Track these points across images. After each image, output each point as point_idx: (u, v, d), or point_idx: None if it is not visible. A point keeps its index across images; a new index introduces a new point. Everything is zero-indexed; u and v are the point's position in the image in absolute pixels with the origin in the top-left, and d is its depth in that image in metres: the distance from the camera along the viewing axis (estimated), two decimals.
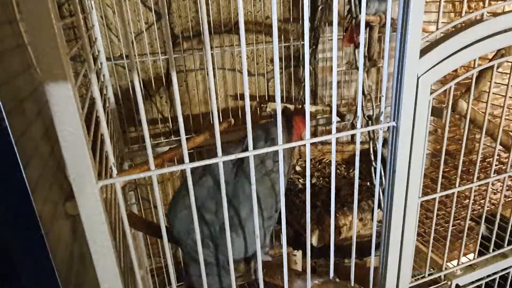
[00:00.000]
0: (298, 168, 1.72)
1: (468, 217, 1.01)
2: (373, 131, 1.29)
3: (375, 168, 1.26)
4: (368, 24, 1.78)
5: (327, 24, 2.07)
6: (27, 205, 0.65)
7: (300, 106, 1.76)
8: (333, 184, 0.76)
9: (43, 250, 0.66)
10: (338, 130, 1.72)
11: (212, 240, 0.81)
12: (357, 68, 1.31)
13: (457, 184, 0.94)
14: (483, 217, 1.06)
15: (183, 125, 0.58)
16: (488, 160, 2.41)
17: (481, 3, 2.20)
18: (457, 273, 1.08)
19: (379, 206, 1.13)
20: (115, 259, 0.59)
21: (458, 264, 1.08)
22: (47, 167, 1.03)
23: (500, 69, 1.79)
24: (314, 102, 2.30)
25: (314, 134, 2.36)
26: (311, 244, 1.19)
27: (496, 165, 1.16)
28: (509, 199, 2.32)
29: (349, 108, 2.30)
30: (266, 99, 2.21)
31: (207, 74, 1.96)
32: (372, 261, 0.89)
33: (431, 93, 0.73)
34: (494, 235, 1.08)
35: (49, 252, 0.67)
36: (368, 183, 1.52)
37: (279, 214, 0.88)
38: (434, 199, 0.92)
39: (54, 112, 0.48)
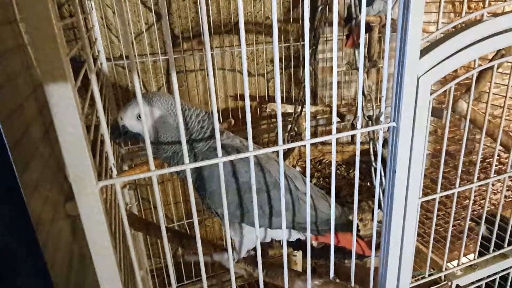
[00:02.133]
0: (298, 169, 1.72)
1: (468, 218, 1.01)
2: (373, 131, 1.29)
3: (375, 169, 1.26)
4: (368, 25, 1.78)
5: (327, 24, 2.07)
6: (21, 208, 0.65)
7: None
8: (333, 185, 0.76)
9: (38, 252, 0.66)
10: (338, 130, 1.72)
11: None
12: (357, 68, 1.32)
13: (457, 185, 0.94)
14: (483, 217, 1.06)
15: None
16: (488, 160, 2.41)
17: (481, 4, 2.20)
18: (457, 274, 1.08)
19: (379, 207, 1.13)
20: (115, 259, 0.59)
21: (458, 265, 1.08)
22: (47, 168, 1.03)
23: (500, 70, 1.79)
24: (314, 102, 2.30)
25: (314, 134, 2.36)
26: (311, 245, 1.19)
27: (496, 166, 1.16)
28: (509, 199, 2.32)
29: (349, 109, 2.30)
30: (266, 99, 2.21)
31: (207, 75, 1.96)
32: (372, 261, 0.89)
33: (431, 94, 0.73)
34: (494, 236, 1.08)
35: (43, 254, 0.67)
36: (368, 184, 1.52)
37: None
38: (434, 199, 0.92)
39: (54, 112, 0.48)
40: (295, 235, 1.08)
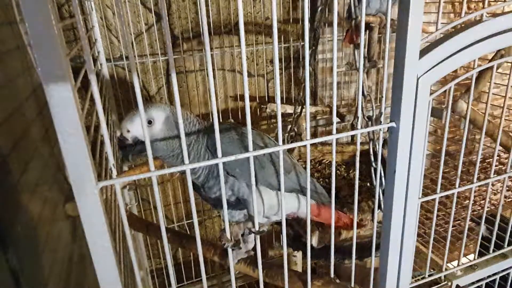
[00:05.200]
0: None
1: (468, 218, 1.01)
2: (373, 131, 1.29)
3: (375, 169, 1.26)
4: (368, 25, 1.78)
5: (326, 25, 2.07)
6: None
7: (300, 108, 1.76)
8: (333, 185, 0.76)
9: None
10: (338, 131, 1.72)
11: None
12: (357, 69, 1.32)
13: (457, 185, 0.94)
14: (483, 217, 1.06)
15: None
16: (488, 160, 2.41)
17: (480, 4, 2.20)
18: (457, 274, 1.08)
19: (379, 207, 1.12)
20: (115, 260, 0.59)
21: (458, 265, 1.08)
22: (47, 168, 1.03)
23: (499, 70, 1.79)
24: (314, 103, 2.30)
25: (314, 134, 2.36)
26: (311, 245, 1.19)
27: (496, 166, 1.16)
28: (509, 199, 2.32)
29: (349, 109, 2.30)
30: (266, 100, 2.21)
31: (207, 75, 1.96)
32: (373, 262, 0.89)
33: (430, 94, 0.73)
34: (494, 236, 1.08)
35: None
36: (368, 184, 1.52)
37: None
38: (434, 199, 0.92)
39: (54, 113, 0.48)
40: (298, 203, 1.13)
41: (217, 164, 0.98)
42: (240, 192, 0.99)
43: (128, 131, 0.91)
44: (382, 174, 1.08)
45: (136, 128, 0.90)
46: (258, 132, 1.06)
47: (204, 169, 0.97)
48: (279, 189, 1.04)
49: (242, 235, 1.03)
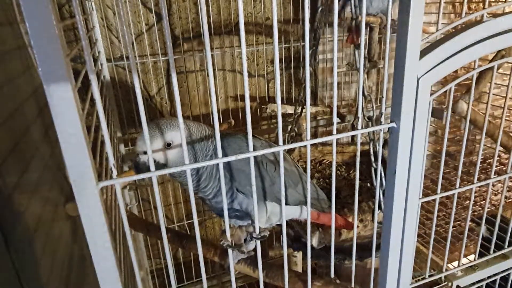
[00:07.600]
0: None
1: (469, 218, 1.01)
2: (373, 132, 1.29)
3: (375, 169, 1.26)
4: (368, 25, 1.78)
5: (327, 25, 2.07)
6: None
7: (300, 109, 1.76)
8: (333, 185, 0.76)
9: None
10: (339, 131, 1.72)
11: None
12: (357, 69, 1.32)
13: (457, 185, 0.94)
14: (484, 218, 1.06)
15: None
16: (489, 161, 2.41)
17: (481, 4, 2.20)
18: (458, 274, 1.08)
19: (380, 207, 1.12)
20: (115, 260, 0.59)
21: (458, 265, 1.08)
22: (48, 168, 1.03)
23: (500, 70, 1.79)
24: (314, 103, 2.30)
25: (314, 135, 2.36)
26: (312, 245, 1.19)
27: (496, 166, 1.16)
28: (510, 200, 2.31)
29: (350, 109, 2.30)
30: (267, 100, 2.21)
31: (208, 75, 1.96)
32: (373, 262, 0.89)
33: (431, 94, 0.73)
34: (494, 236, 1.08)
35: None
36: (369, 184, 1.52)
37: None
38: (435, 200, 0.92)
39: (54, 113, 0.48)
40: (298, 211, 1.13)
41: (230, 183, 0.98)
42: (249, 209, 0.99)
43: (145, 152, 0.83)
44: (383, 175, 1.08)
45: (154, 150, 0.83)
46: (270, 143, 1.04)
47: (214, 187, 0.95)
48: (286, 203, 1.05)
49: (245, 240, 1.02)
